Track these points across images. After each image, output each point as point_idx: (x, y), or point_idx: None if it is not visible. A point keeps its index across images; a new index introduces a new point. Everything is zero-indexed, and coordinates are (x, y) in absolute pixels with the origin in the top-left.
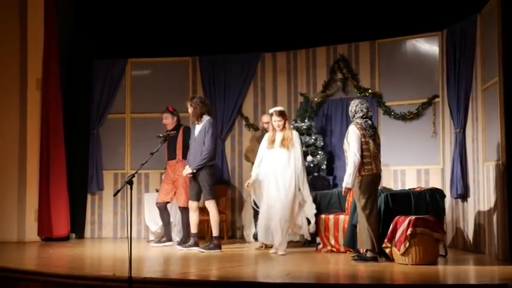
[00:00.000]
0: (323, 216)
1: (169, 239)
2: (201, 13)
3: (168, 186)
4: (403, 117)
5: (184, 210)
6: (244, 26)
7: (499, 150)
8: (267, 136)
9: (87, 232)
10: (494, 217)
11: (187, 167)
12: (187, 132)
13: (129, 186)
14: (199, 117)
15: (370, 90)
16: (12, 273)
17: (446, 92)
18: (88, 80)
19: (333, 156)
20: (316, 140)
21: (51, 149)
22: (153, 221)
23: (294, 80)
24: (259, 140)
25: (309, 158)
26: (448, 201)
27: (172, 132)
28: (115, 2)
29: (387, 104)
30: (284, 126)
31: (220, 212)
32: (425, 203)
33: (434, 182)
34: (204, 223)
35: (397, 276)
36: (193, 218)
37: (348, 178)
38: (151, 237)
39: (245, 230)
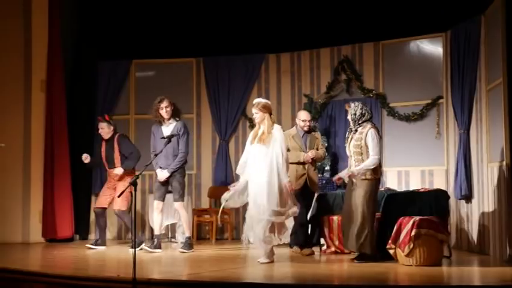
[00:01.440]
0: (327, 217)
1: (104, 244)
2: (205, 14)
3: (107, 192)
4: (407, 118)
5: (122, 214)
6: (248, 27)
7: (503, 151)
8: (252, 132)
9: (92, 233)
10: (499, 218)
11: (163, 171)
12: (123, 139)
13: (133, 188)
14: (170, 118)
15: (374, 91)
16: (17, 274)
17: (451, 93)
18: (92, 81)
19: (337, 158)
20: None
21: (56, 151)
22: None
23: (298, 81)
24: (294, 138)
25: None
26: (452, 202)
27: (176, 134)
28: (119, 4)
29: (391, 105)
30: (263, 120)
31: (224, 213)
32: (430, 204)
33: (439, 183)
34: (208, 224)
35: (402, 277)
36: (158, 219)
37: (360, 170)
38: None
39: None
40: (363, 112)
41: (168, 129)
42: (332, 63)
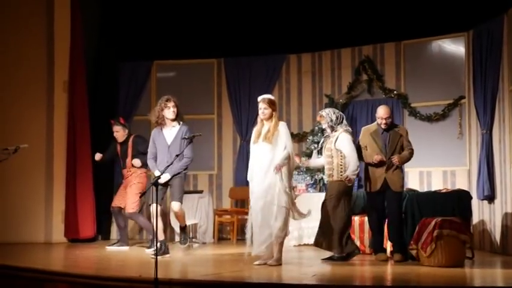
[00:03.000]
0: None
1: (125, 243)
2: (226, 15)
3: (123, 192)
4: (429, 119)
5: (133, 216)
6: (269, 28)
7: None
8: (254, 129)
9: (113, 233)
10: None
11: (165, 174)
12: (138, 141)
13: (154, 188)
14: (174, 121)
15: (395, 92)
16: (40, 274)
17: (473, 93)
18: (114, 82)
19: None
20: None
21: (78, 151)
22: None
23: (318, 81)
24: (372, 135)
25: None
26: (474, 202)
27: (198, 134)
28: (140, 4)
29: (413, 105)
30: (271, 117)
31: (245, 213)
32: (452, 205)
33: (461, 184)
34: (230, 225)
35: (424, 278)
36: (161, 224)
37: (351, 175)
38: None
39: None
40: (337, 115)
41: (171, 132)
42: (353, 63)
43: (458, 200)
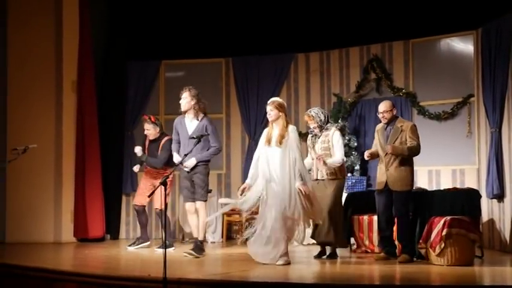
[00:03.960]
0: (357, 217)
1: (146, 240)
2: (234, 14)
3: (146, 189)
4: (437, 117)
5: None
6: (277, 27)
7: None
8: (265, 132)
9: (122, 233)
10: None
11: (191, 158)
12: (166, 145)
13: (163, 187)
14: (190, 112)
15: (404, 90)
16: (49, 273)
17: (482, 91)
18: (122, 81)
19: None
20: (349, 140)
21: (87, 151)
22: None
23: (327, 80)
24: (379, 132)
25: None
26: (484, 201)
27: (206, 133)
28: (148, 4)
29: (421, 103)
30: (277, 118)
31: (255, 213)
32: (461, 204)
33: (470, 182)
34: (238, 224)
35: (433, 277)
36: (195, 221)
37: (330, 164)
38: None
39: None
40: (325, 115)
41: (191, 124)
42: (361, 62)
43: (468, 199)
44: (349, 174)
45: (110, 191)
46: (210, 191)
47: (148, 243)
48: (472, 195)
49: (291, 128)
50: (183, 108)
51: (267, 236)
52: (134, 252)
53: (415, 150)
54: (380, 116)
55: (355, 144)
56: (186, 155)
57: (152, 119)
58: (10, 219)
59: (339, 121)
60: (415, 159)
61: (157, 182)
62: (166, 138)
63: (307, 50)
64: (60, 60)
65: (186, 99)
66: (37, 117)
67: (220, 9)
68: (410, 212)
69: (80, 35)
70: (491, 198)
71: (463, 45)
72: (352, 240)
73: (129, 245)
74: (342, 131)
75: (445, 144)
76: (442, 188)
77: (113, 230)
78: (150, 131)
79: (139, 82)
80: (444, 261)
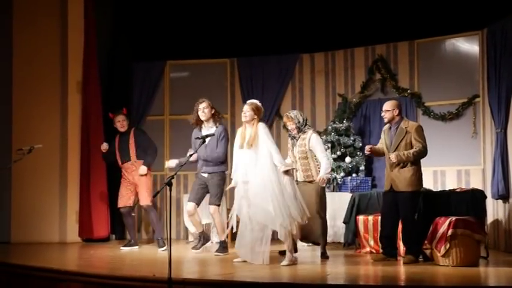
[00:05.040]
0: (362, 217)
1: (136, 244)
2: (238, 14)
3: (127, 190)
4: (442, 118)
5: (150, 209)
6: (282, 27)
7: None
8: (238, 133)
9: (127, 233)
10: None
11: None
12: (139, 133)
13: (168, 188)
14: (210, 121)
15: (409, 91)
16: (54, 273)
17: (487, 92)
18: (127, 82)
19: (372, 157)
20: (354, 141)
21: (92, 151)
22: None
23: (332, 80)
24: (385, 132)
25: (348, 159)
26: (489, 202)
27: (211, 133)
28: (153, 5)
29: (426, 104)
30: (252, 120)
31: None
32: (466, 204)
33: (475, 183)
34: None
35: (438, 277)
36: (198, 218)
37: (326, 174)
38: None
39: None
40: (303, 117)
41: (209, 132)
42: (366, 62)
43: (473, 199)
44: (354, 175)
45: (115, 192)
46: None
47: (137, 247)
48: (477, 196)
49: (261, 125)
50: (204, 118)
51: (255, 237)
52: (139, 253)
53: (422, 153)
54: (382, 114)
55: (360, 144)
56: (191, 155)
57: (124, 111)
58: (15, 219)
59: (344, 121)
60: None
61: (135, 179)
62: (133, 128)
63: (312, 51)
64: (66, 60)
65: (207, 109)
66: (42, 118)
67: (225, 10)
68: (416, 213)
69: (85, 35)
70: (497, 199)
71: (468, 46)
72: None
73: (123, 246)
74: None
75: (450, 144)
76: (447, 189)
77: (117, 230)
78: (125, 122)
79: (144, 82)
80: (449, 261)
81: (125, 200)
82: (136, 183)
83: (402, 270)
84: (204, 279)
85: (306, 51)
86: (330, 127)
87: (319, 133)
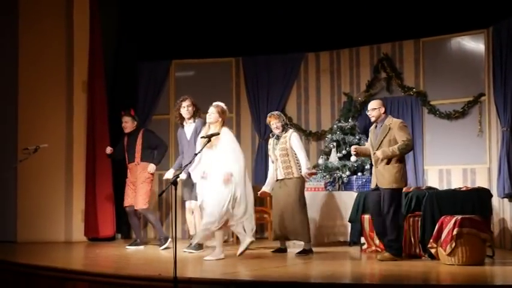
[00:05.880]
0: (367, 216)
1: (142, 243)
2: (243, 14)
3: (131, 189)
4: (448, 116)
5: (145, 212)
6: (287, 26)
7: None
8: (203, 132)
9: (133, 232)
10: None
11: (170, 171)
12: (147, 135)
13: (173, 187)
14: (191, 118)
15: (414, 89)
16: (60, 272)
17: (493, 90)
18: (132, 81)
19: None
20: (360, 139)
21: (97, 150)
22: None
23: (337, 79)
24: (371, 132)
25: (353, 158)
26: (495, 200)
27: (216, 132)
28: (158, 4)
29: (432, 102)
30: (216, 121)
31: (264, 212)
32: (472, 203)
33: (481, 182)
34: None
35: (444, 276)
36: (192, 218)
37: (309, 170)
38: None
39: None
40: (284, 118)
41: (189, 129)
42: (372, 61)
43: (479, 198)
44: (359, 174)
45: (120, 191)
46: None
47: (142, 246)
48: (483, 195)
49: (224, 130)
50: (188, 115)
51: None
52: (144, 252)
53: (407, 147)
54: (368, 114)
55: (366, 143)
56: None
57: (132, 112)
58: (21, 218)
59: (349, 120)
60: (426, 158)
61: (137, 180)
62: (142, 130)
63: (317, 50)
64: (71, 60)
65: (190, 107)
66: (48, 117)
67: (230, 9)
68: (397, 209)
69: (90, 35)
70: (503, 198)
71: (474, 44)
72: (362, 239)
73: (128, 245)
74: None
75: (455, 143)
76: (452, 187)
77: (123, 229)
78: (128, 123)
79: (150, 82)
80: (455, 260)
81: (130, 199)
82: (135, 185)
83: (408, 269)
84: (209, 278)
85: (311, 50)
86: (335, 126)
87: (325, 132)
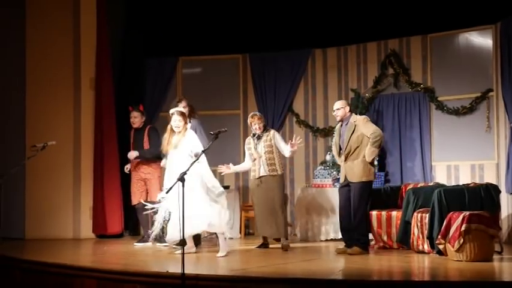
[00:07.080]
0: (375, 212)
1: (147, 240)
2: (250, 10)
3: (137, 186)
4: (456, 112)
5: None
6: (294, 22)
7: None
8: (165, 136)
9: (141, 229)
10: None
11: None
12: (153, 132)
13: (181, 184)
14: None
15: (422, 85)
16: (68, 269)
17: (501, 86)
18: (140, 78)
19: (385, 152)
20: None
21: (105, 147)
22: None
23: (344, 75)
24: (338, 130)
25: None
26: (503, 196)
27: (223, 129)
28: (165, 1)
29: (440, 98)
30: (181, 127)
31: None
32: (480, 199)
33: (489, 177)
34: None
35: (452, 272)
36: None
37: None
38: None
39: (296, 227)
40: (264, 119)
41: None
42: (379, 57)
43: (487, 194)
44: None
45: (128, 188)
46: (227, 187)
47: (150, 243)
48: (491, 191)
49: (188, 130)
50: None
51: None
52: (152, 249)
53: (376, 137)
54: (333, 114)
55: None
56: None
57: (141, 108)
58: (29, 215)
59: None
60: (434, 154)
61: (144, 175)
62: (149, 126)
63: (325, 46)
64: (78, 57)
65: (186, 108)
66: (55, 114)
67: (237, 5)
68: (367, 203)
69: (97, 32)
70: (511, 194)
71: (481, 40)
72: (370, 235)
73: (136, 242)
74: None
75: (463, 139)
76: (461, 183)
77: (131, 226)
78: (137, 118)
79: (157, 79)
80: (463, 256)
81: (137, 196)
82: (147, 180)
83: (416, 265)
84: (216, 275)
85: (318, 46)
86: None
87: (332, 128)
